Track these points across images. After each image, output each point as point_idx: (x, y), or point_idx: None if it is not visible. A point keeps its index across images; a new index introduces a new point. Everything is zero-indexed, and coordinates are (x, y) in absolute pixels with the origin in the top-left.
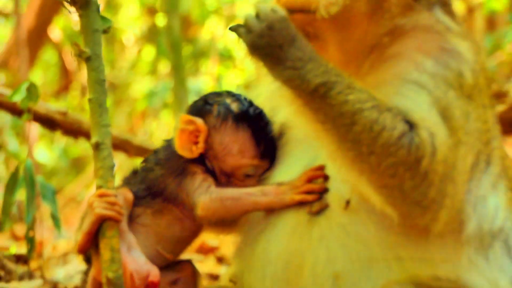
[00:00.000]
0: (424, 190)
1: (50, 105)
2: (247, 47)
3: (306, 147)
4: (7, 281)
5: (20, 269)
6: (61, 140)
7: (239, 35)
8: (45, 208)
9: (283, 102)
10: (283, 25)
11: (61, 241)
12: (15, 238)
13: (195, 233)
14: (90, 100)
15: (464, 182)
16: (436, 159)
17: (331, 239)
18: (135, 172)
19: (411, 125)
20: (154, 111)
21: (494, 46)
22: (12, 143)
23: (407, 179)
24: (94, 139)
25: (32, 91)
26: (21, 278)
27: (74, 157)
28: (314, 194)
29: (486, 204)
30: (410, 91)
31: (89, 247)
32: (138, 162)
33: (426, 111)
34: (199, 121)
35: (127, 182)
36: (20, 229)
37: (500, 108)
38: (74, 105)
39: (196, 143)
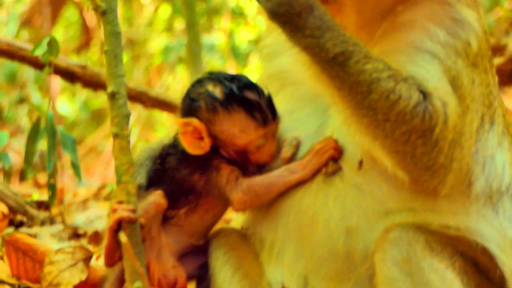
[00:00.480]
0: (434, 156)
1: (70, 59)
2: (267, 14)
3: (318, 105)
4: (29, 226)
5: (42, 215)
6: (82, 93)
7: (259, 2)
8: (66, 158)
9: (291, 56)
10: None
11: (81, 188)
12: (38, 186)
13: (224, 212)
14: (105, 52)
15: (470, 146)
16: (447, 127)
17: (345, 197)
18: (159, 171)
19: (425, 94)
20: (169, 66)
21: (493, 3)
22: (35, 97)
23: (419, 146)
24: (109, 88)
25: (52, 45)
26: (42, 223)
27: (94, 109)
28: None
29: (493, 163)
30: (423, 60)
31: (115, 245)
32: (155, 113)
33: (439, 81)
34: (194, 121)
35: (156, 181)
36: (43, 178)
37: (499, 60)
38: (94, 60)
39: (201, 139)
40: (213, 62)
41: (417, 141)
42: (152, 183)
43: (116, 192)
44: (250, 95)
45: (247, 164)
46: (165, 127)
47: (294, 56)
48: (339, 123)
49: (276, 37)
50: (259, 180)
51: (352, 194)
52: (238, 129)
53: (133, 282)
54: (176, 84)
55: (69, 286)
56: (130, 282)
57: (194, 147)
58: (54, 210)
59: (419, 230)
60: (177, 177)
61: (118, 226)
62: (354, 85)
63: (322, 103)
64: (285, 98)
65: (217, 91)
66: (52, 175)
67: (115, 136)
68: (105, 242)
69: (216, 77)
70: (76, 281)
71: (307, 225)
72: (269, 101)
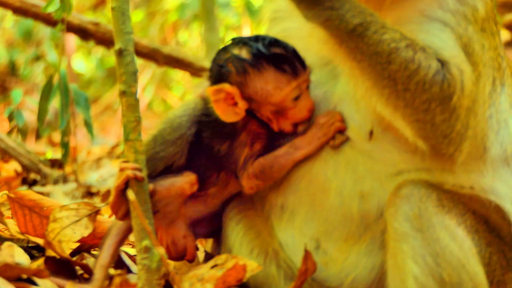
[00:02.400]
0: (452, 123)
1: (83, 16)
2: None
3: (324, 73)
4: (43, 184)
5: (55, 173)
6: (97, 51)
7: None
8: (81, 116)
9: (297, 22)
10: None
11: (95, 147)
12: (53, 145)
13: None
14: (113, 8)
15: (484, 112)
16: (464, 94)
17: (356, 163)
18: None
19: (442, 63)
20: (185, 23)
21: None
22: (51, 54)
23: (438, 114)
24: (117, 45)
25: (65, 2)
26: (56, 182)
27: (110, 67)
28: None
29: (507, 128)
30: (435, 28)
31: (119, 204)
32: (170, 72)
33: (453, 49)
34: (226, 86)
35: (192, 155)
36: (58, 137)
37: (510, 17)
38: (109, 17)
39: (235, 104)
40: (228, 19)
41: (436, 109)
42: (189, 157)
43: (124, 150)
44: (277, 50)
45: (283, 127)
46: (181, 86)
47: (299, 22)
48: (345, 92)
49: (282, 2)
50: (267, 162)
51: (363, 160)
52: (271, 86)
53: (141, 241)
54: (191, 41)
55: (71, 242)
56: (138, 241)
57: (229, 114)
58: (68, 169)
59: (431, 187)
60: (214, 151)
61: (126, 185)
62: (374, 56)
63: (329, 71)
64: None
65: (243, 53)
66: (65, 133)
67: (123, 93)
68: (110, 199)
69: (240, 40)
70: (77, 237)
71: (319, 191)
72: (295, 53)
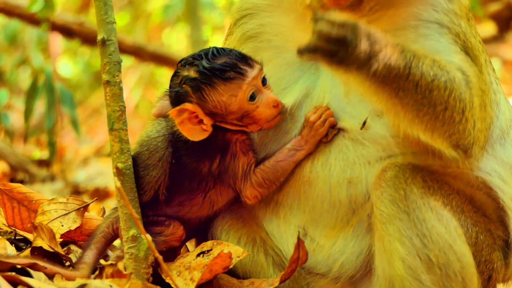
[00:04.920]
0: (471, 122)
1: (67, 16)
2: (348, 60)
3: (304, 67)
4: (31, 184)
5: (43, 172)
6: (84, 54)
7: (335, 56)
8: (68, 117)
9: (272, 17)
10: (367, 31)
11: (82, 146)
12: (40, 146)
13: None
14: None
15: (490, 99)
16: (476, 93)
17: (346, 151)
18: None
19: (463, 72)
20: (170, 24)
21: None
22: (37, 58)
23: (457, 122)
24: (100, 35)
25: (49, 2)
26: (43, 181)
27: (97, 70)
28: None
29: (501, 109)
30: (435, 32)
31: None
32: (157, 72)
33: (458, 53)
34: (187, 105)
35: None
36: (45, 138)
37: (496, 7)
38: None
39: (200, 122)
40: (213, 19)
41: (456, 117)
42: (170, 179)
43: (109, 140)
44: (220, 60)
45: (256, 129)
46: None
47: (275, 17)
48: (331, 85)
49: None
50: (269, 167)
51: (354, 148)
52: (226, 96)
53: (128, 230)
54: (177, 43)
55: (57, 235)
56: (125, 230)
57: (196, 133)
58: (56, 168)
59: (416, 168)
60: (203, 171)
61: None
62: (416, 89)
63: (309, 66)
64: (270, 62)
65: (192, 73)
66: (52, 132)
67: (107, 83)
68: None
69: (186, 61)
70: (64, 230)
71: (305, 182)
72: (239, 55)
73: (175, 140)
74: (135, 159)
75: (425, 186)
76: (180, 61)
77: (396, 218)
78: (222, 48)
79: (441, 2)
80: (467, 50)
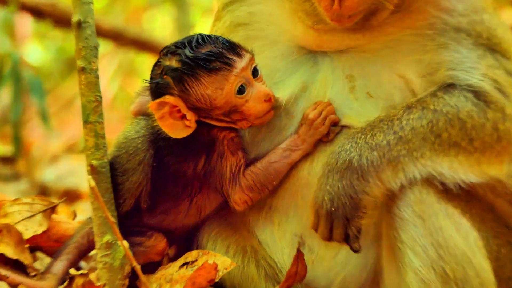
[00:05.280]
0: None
1: None
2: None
3: (300, 62)
4: None
5: (6, 170)
6: (56, 37)
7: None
8: (36, 107)
9: (263, 4)
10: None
11: (52, 141)
12: (4, 140)
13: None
14: None
15: None
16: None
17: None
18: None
19: (475, 92)
20: (152, 5)
21: None
22: (3, 43)
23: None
24: (75, 17)
25: None
26: (7, 180)
27: (70, 56)
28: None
29: None
30: (453, 41)
31: None
32: (138, 60)
33: (477, 62)
34: (168, 97)
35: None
36: (10, 131)
37: None
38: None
39: (183, 117)
40: (202, 1)
41: (490, 140)
42: (152, 185)
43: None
44: (204, 49)
45: (245, 126)
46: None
47: (268, 6)
48: (333, 79)
49: None
50: (261, 169)
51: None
52: (210, 89)
53: (102, 236)
54: (161, 27)
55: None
56: (99, 236)
57: (178, 129)
58: (21, 166)
59: None
60: (188, 174)
61: None
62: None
63: (307, 58)
64: (263, 53)
65: (174, 62)
66: (18, 124)
67: (82, 70)
68: None
69: (168, 50)
70: (30, 234)
71: (302, 185)
72: (227, 43)
73: (156, 140)
74: (112, 163)
75: (443, 191)
76: (163, 49)
77: (410, 223)
78: (208, 36)
79: (456, 4)
80: (493, 47)
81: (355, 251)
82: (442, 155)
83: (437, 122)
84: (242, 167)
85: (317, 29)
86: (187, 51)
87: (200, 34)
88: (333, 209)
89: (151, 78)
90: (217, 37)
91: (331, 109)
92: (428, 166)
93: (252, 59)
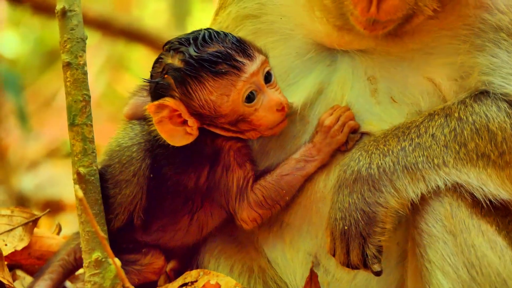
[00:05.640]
0: None
1: None
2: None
3: (316, 61)
4: None
5: None
6: (35, 26)
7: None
8: (11, 105)
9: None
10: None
11: (31, 144)
12: None
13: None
14: None
15: None
16: None
17: None
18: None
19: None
20: None
21: None
22: None
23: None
24: (60, 4)
25: None
26: None
27: (51, 48)
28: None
29: None
30: (490, 42)
31: None
32: (129, 53)
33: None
34: (168, 100)
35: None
36: None
37: None
38: None
39: (184, 122)
40: None
41: None
42: (148, 199)
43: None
44: (212, 48)
45: (255, 136)
46: (140, 68)
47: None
48: (352, 80)
49: None
50: (272, 184)
51: None
52: (215, 95)
53: (90, 253)
54: (155, 16)
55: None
56: (87, 253)
57: (178, 136)
58: None
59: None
60: (189, 186)
61: None
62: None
63: (323, 56)
64: (275, 50)
65: (176, 61)
66: None
67: (67, 65)
68: None
69: (171, 46)
70: (9, 250)
71: (317, 199)
72: (237, 42)
73: (153, 148)
74: (103, 174)
75: (476, 205)
76: (165, 44)
77: (439, 240)
78: (216, 32)
79: (497, 1)
80: None
81: (376, 273)
82: (469, 165)
83: (462, 131)
84: (251, 181)
85: (339, 27)
86: (191, 50)
87: (207, 30)
88: (346, 228)
89: (151, 76)
90: (226, 35)
91: (349, 115)
92: (452, 175)
93: (265, 62)
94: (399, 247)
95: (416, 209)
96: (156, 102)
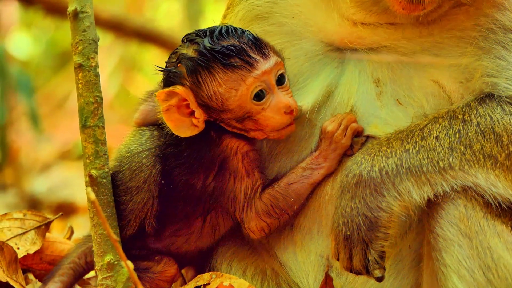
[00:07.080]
0: None
1: None
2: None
3: (324, 62)
4: None
5: None
6: (47, 28)
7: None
8: (24, 107)
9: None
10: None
11: (43, 147)
12: None
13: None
14: None
15: None
16: None
17: None
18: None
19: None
20: None
21: None
22: None
23: None
24: (72, 6)
25: None
26: None
27: (63, 50)
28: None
29: None
30: (497, 44)
31: None
32: (142, 55)
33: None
34: (178, 87)
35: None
36: None
37: None
38: None
39: (191, 113)
40: None
41: None
42: (160, 205)
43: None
44: (226, 42)
45: (260, 137)
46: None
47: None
48: (358, 83)
49: None
50: (280, 192)
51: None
52: (224, 88)
53: (103, 256)
54: (168, 17)
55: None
56: (99, 256)
57: (184, 126)
58: (8, 175)
59: None
60: (185, 187)
61: None
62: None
63: (331, 58)
64: (283, 52)
65: (190, 51)
66: (4, 128)
67: (79, 67)
68: None
69: (188, 37)
70: (21, 253)
71: (327, 202)
72: (253, 40)
73: (163, 153)
74: (113, 179)
75: (489, 205)
76: (184, 37)
77: (454, 243)
78: (234, 28)
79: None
80: None
81: (378, 279)
82: (476, 166)
83: (466, 132)
84: (259, 190)
85: (354, 21)
86: (206, 41)
87: (226, 25)
88: (348, 233)
89: (166, 66)
90: (243, 31)
91: (351, 118)
92: (459, 178)
93: (279, 64)
94: (411, 250)
95: (430, 213)
96: (166, 89)
